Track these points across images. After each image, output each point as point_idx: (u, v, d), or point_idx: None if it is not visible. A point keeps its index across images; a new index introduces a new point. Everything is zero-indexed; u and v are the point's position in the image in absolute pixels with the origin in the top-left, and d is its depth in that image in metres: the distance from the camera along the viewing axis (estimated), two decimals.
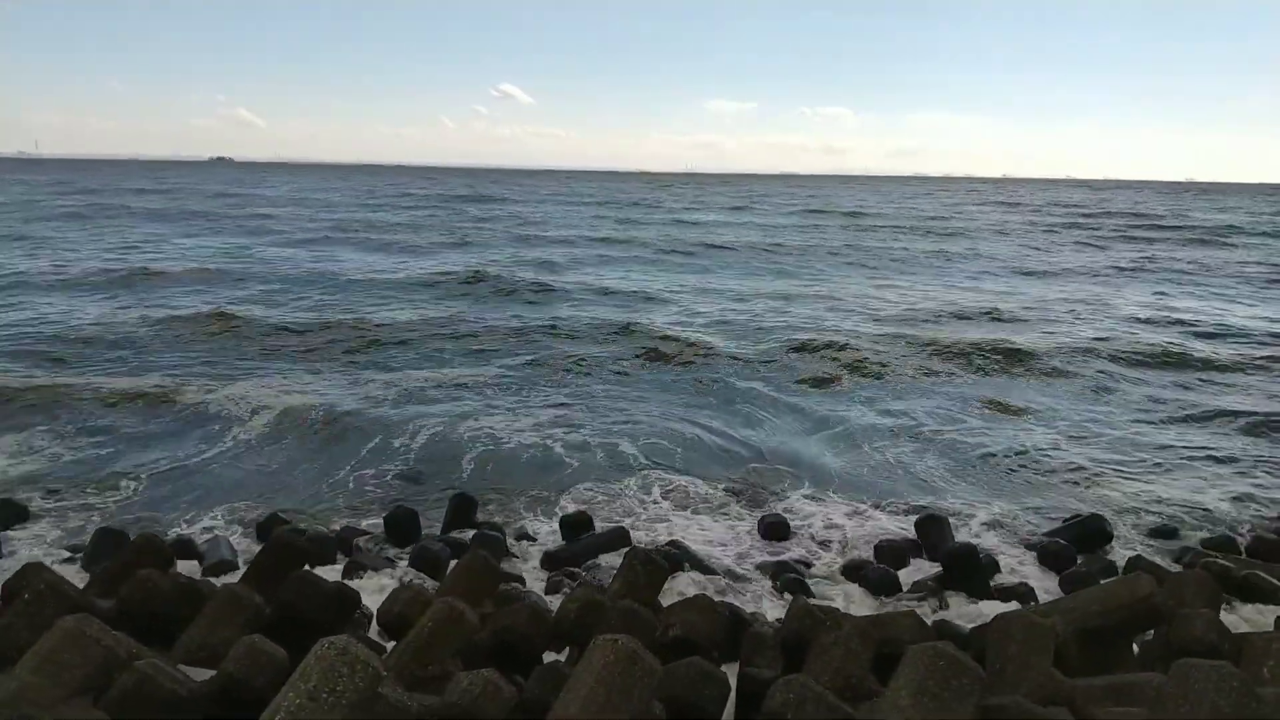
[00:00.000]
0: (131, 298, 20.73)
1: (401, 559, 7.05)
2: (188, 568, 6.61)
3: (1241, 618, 6.17)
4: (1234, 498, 9.16)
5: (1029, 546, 7.76)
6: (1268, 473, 9.99)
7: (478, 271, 25.44)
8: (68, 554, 7.09)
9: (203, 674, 3.98)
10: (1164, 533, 8.18)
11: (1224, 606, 5.85)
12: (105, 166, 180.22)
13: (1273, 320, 20.84)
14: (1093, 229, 50.57)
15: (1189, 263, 33.46)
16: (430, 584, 6.23)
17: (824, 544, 7.81)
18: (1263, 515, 8.69)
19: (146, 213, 48.68)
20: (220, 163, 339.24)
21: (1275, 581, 6.85)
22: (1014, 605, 6.21)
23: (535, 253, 32.48)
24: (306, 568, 5.39)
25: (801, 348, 16.45)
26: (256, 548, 7.04)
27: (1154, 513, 8.69)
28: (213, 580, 5.88)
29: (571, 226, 45.90)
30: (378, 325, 17.92)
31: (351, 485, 9.18)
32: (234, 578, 6.06)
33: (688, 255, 33.60)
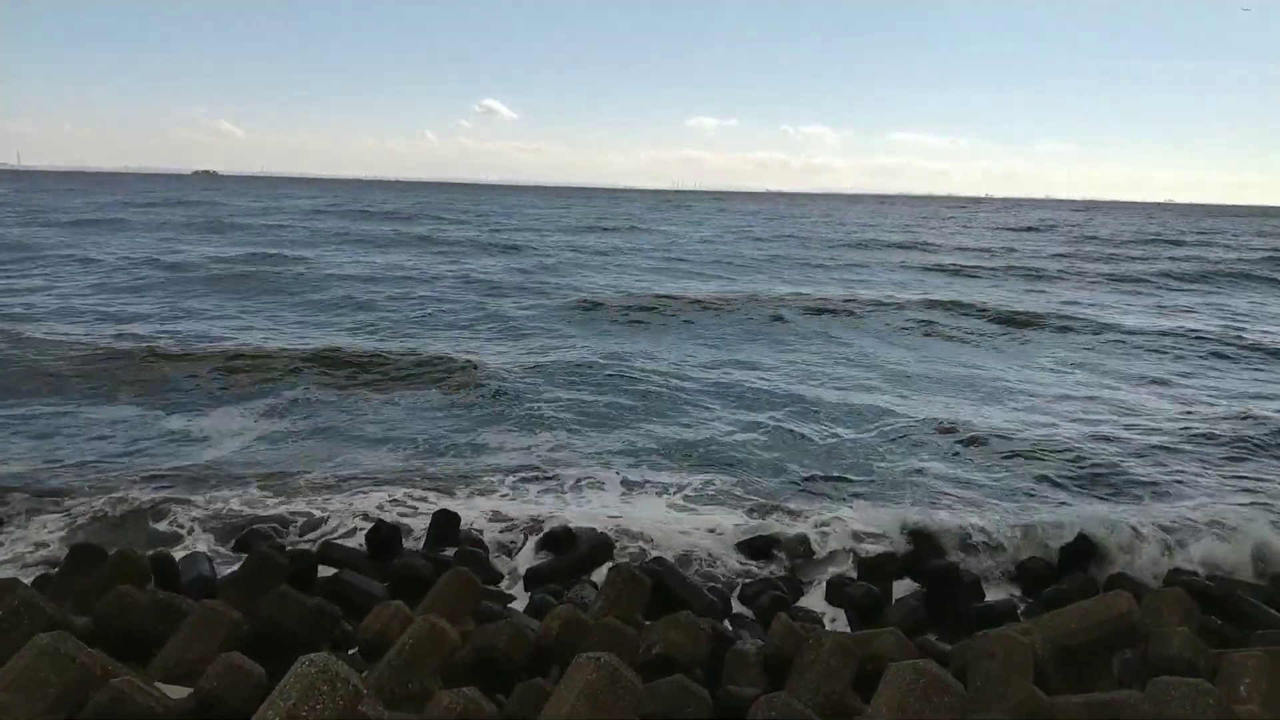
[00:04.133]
0: None
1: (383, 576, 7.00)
2: (165, 584, 6.55)
3: (1219, 635, 6.21)
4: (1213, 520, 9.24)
5: (1011, 563, 7.80)
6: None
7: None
8: (43, 570, 7.00)
9: (180, 692, 3.94)
10: (1144, 550, 8.24)
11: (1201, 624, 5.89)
12: (66, 179, 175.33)
13: None
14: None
15: None
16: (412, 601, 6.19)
17: (809, 558, 7.82)
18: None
19: None
20: (204, 176, 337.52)
21: (1253, 599, 6.92)
22: (995, 623, 6.24)
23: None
24: (286, 584, 5.36)
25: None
26: (235, 563, 6.98)
27: (1134, 527, 8.75)
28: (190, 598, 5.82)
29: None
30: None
31: (332, 498, 9.12)
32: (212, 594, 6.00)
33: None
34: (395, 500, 9.00)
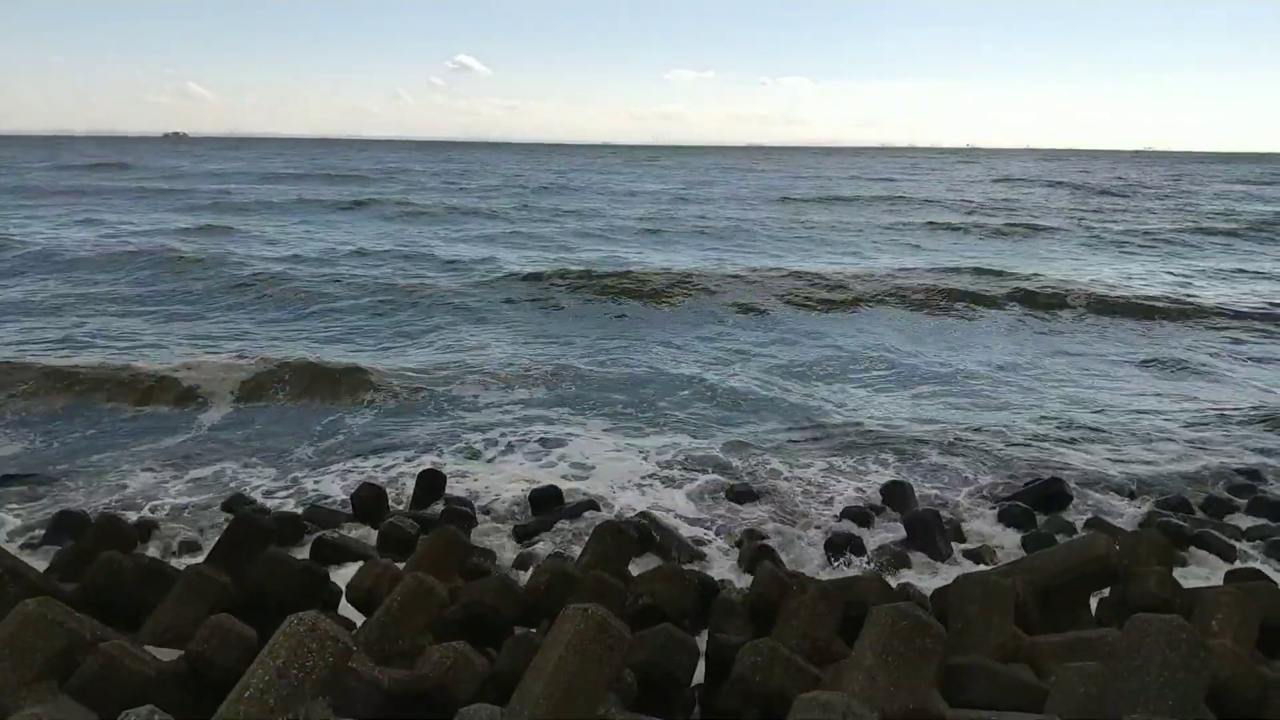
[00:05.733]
0: None
1: (369, 536, 7.03)
2: (152, 549, 6.56)
3: (1194, 573, 6.38)
4: (1187, 458, 9.43)
5: (991, 509, 7.92)
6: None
7: None
8: (27, 536, 6.97)
9: (170, 655, 3.95)
10: (1121, 493, 8.39)
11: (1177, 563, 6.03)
12: (23, 143, 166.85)
13: None
14: None
15: None
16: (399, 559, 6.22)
17: (791, 509, 7.91)
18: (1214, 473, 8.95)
19: None
20: (174, 138, 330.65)
21: (1225, 538, 7.09)
22: (976, 566, 6.36)
23: None
24: (273, 546, 5.36)
25: None
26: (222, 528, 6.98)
27: (1112, 474, 8.91)
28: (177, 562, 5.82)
29: None
30: None
31: (317, 461, 9.11)
32: (199, 558, 6.00)
33: None
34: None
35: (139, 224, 31.14)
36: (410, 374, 12.48)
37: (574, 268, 21.82)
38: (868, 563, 6.68)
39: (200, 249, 24.10)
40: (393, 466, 9.02)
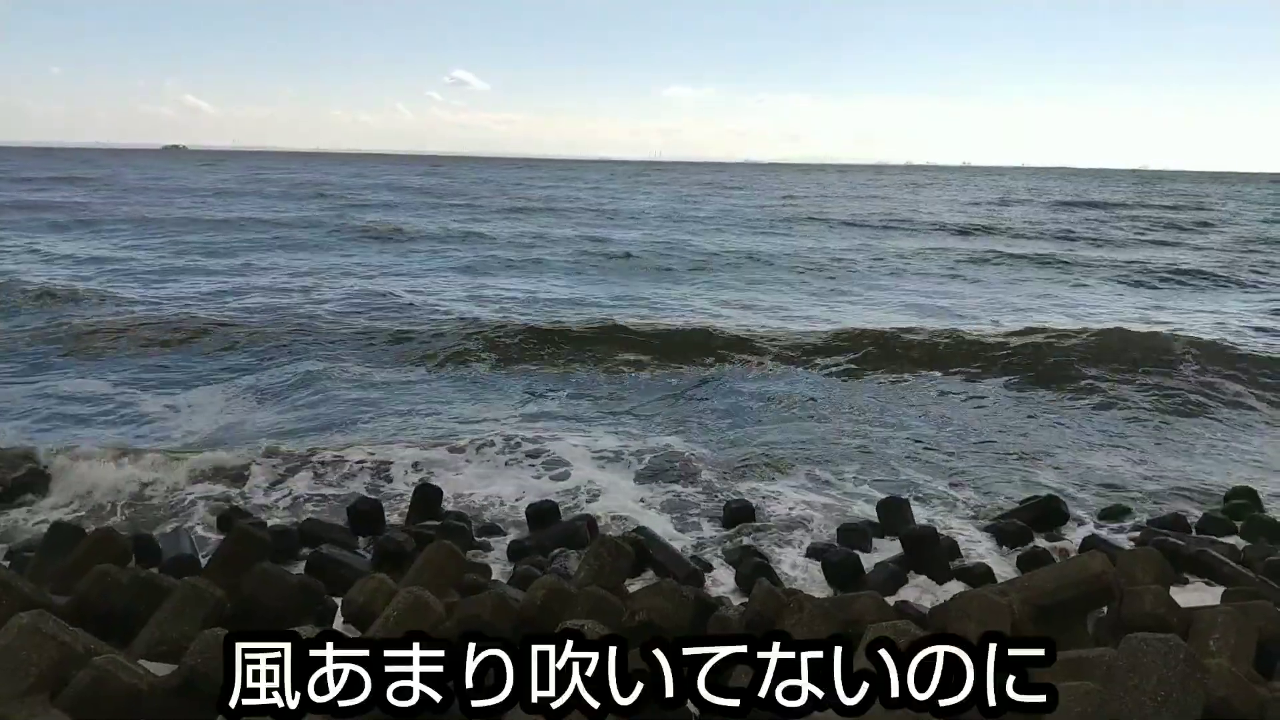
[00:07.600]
0: None
1: (365, 551, 7.00)
2: (146, 563, 6.51)
3: (1191, 592, 6.37)
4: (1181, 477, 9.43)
5: (987, 527, 7.91)
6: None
7: None
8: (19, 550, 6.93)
9: (164, 669, 3.93)
10: (1117, 512, 8.39)
11: (1175, 582, 6.04)
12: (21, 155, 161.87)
13: None
14: None
15: None
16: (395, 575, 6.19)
17: (788, 526, 7.89)
18: (1211, 494, 8.96)
19: None
20: (172, 151, 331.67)
21: (1223, 558, 7.08)
22: (972, 585, 6.34)
23: None
24: (268, 560, 5.35)
25: None
26: (217, 542, 6.95)
27: (1108, 493, 8.91)
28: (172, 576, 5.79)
29: None
30: None
31: (313, 478, 9.08)
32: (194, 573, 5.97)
33: None
34: None
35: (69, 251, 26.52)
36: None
37: (544, 325, 16.54)
38: (865, 580, 6.65)
39: (99, 285, 19.80)
40: (388, 482, 9.00)
